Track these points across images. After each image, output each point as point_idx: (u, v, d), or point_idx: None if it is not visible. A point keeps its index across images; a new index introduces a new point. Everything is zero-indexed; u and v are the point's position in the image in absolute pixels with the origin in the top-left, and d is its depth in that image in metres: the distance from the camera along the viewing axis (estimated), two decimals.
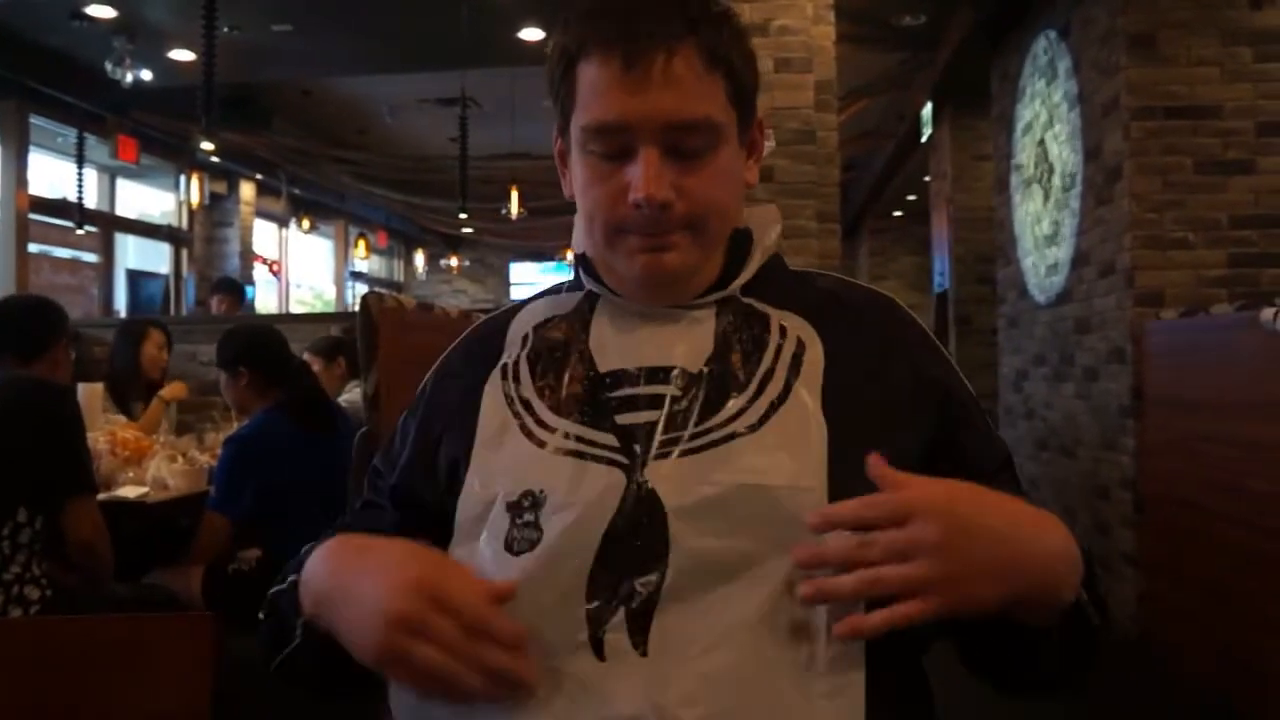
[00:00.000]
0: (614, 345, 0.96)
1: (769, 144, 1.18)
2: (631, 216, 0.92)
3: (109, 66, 6.90)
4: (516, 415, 0.94)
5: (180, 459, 3.24)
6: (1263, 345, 3.16)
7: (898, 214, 13.43)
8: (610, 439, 0.90)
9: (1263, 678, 3.15)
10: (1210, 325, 3.68)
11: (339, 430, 3.07)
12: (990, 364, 6.49)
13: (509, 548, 0.87)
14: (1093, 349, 4.66)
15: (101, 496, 2.73)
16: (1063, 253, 5.01)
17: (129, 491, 3.00)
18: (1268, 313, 3.08)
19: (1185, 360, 3.83)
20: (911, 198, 12.02)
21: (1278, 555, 3.07)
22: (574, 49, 0.93)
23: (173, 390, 3.94)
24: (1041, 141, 5.33)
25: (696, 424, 0.89)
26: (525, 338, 1.01)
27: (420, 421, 1.03)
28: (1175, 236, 4.18)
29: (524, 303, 1.07)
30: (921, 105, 7.88)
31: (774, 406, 0.90)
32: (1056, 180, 5.11)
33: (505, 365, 0.99)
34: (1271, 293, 3.88)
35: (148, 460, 3.19)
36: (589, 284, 1.01)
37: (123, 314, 9.06)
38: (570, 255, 1.06)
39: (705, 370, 0.92)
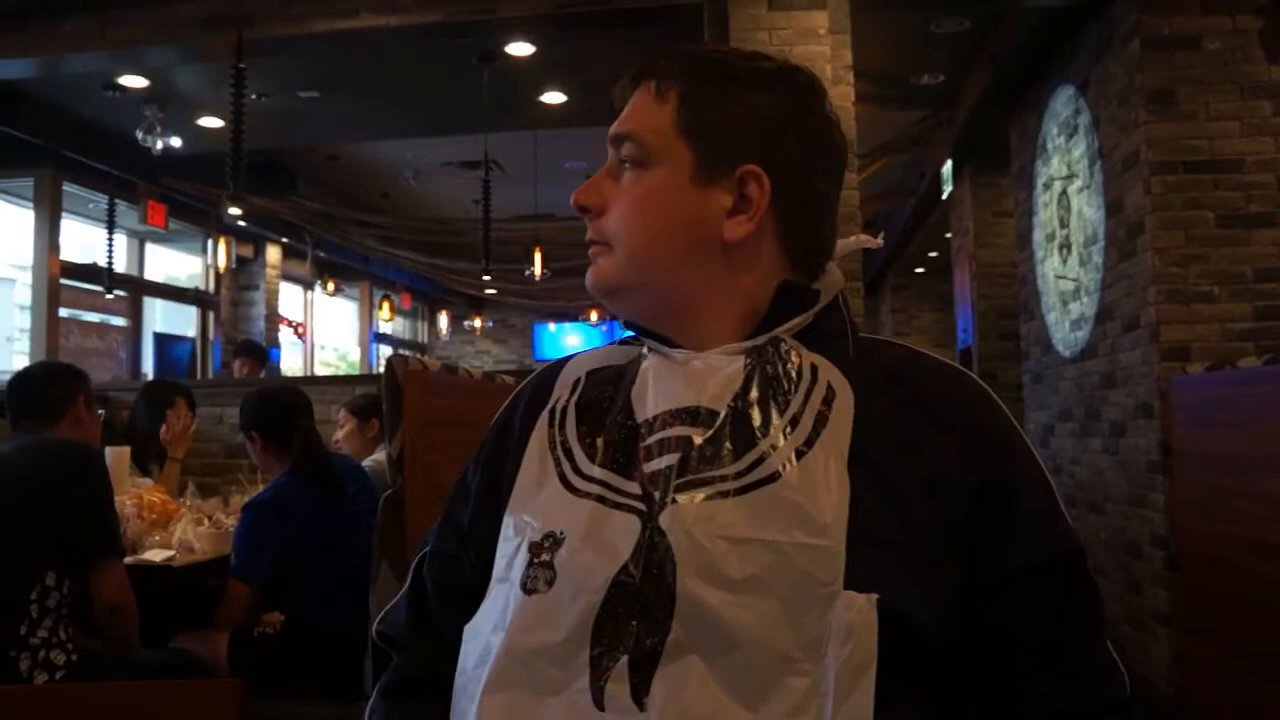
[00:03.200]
0: (652, 393, 0.95)
1: (878, 241, 1.16)
2: None
3: (140, 134, 7.04)
4: (556, 461, 0.94)
5: (206, 521, 3.24)
6: None
7: (920, 270, 13.43)
8: (634, 486, 0.89)
9: None
10: (1238, 379, 3.65)
11: (348, 491, 3.07)
12: (1016, 421, 6.44)
13: (524, 586, 0.87)
14: (1119, 404, 4.62)
15: (128, 560, 2.74)
16: (1087, 308, 4.99)
17: (155, 555, 3.00)
18: None
19: (1213, 415, 3.80)
20: (933, 254, 12.03)
21: None
22: (614, 92, 1.04)
23: (178, 446, 3.94)
24: (1063, 196, 5.34)
25: (715, 468, 0.87)
26: (577, 382, 1.02)
27: (483, 473, 1.04)
28: (1200, 290, 4.17)
29: (582, 352, 1.09)
30: (941, 163, 7.92)
31: (798, 454, 0.87)
32: (1079, 235, 5.11)
33: (553, 409, 0.99)
34: None
35: (174, 523, 3.19)
36: (638, 334, 1.03)
37: (150, 377, 9.13)
38: (594, 315, 1.08)
39: (728, 411, 0.90)
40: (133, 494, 3.32)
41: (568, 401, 0.99)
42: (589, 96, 6.70)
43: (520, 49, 5.94)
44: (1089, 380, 5.04)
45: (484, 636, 0.89)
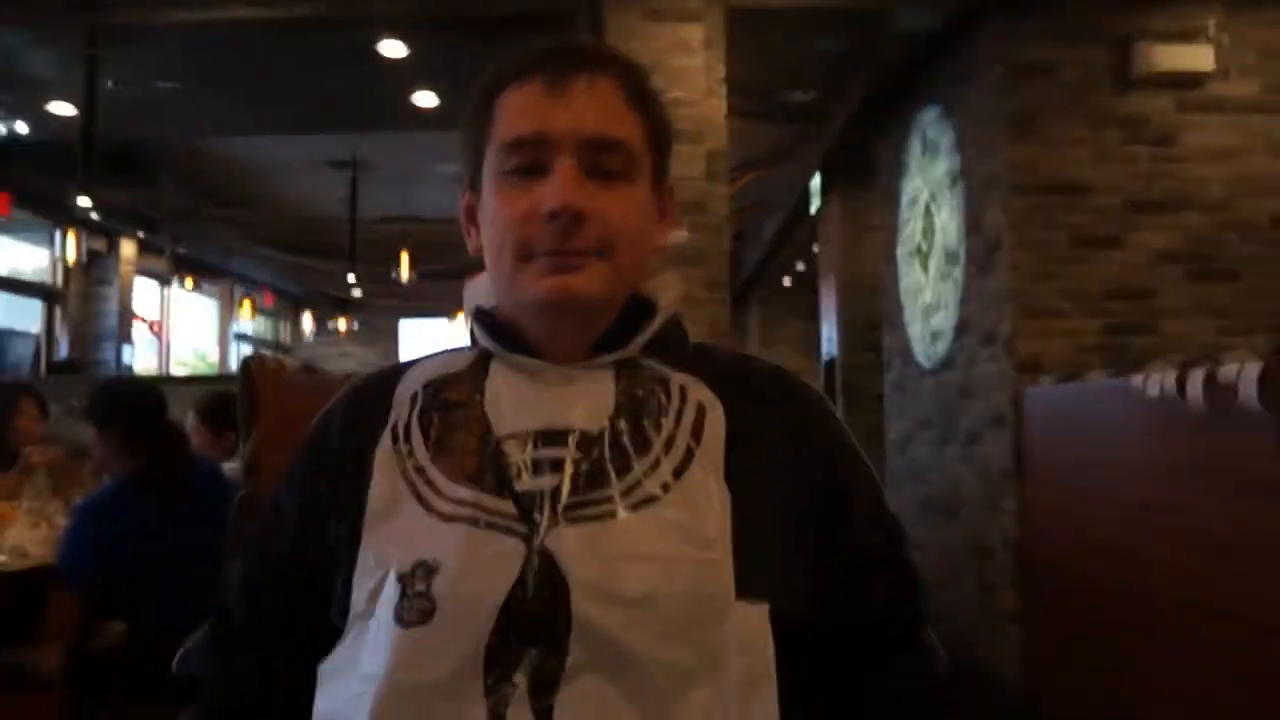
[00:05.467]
0: (510, 406, 0.92)
1: (681, 233, 1.20)
2: (543, 233, 0.90)
3: None
4: (410, 483, 0.90)
5: (44, 525, 3.07)
6: (1134, 410, 3.29)
7: (787, 282, 13.67)
8: (508, 506, 0.86)
9: None
10: (1086, 392, 3.82)
11: (202, 493, 2.93)
12: (877, 429, 6.61)
13: (398, 619, 0.82)
14: (975, 414, 4.78)
15: None
16: (946, 321, 5.15)
17: None
18: (1138, 379, 3.21)
19: (1063, 425, 3.96)
20: (800, 267, 12.26)
21: (1155, 613, 3.17)
22: (493, 84, 0.94)
23: (45, 454, 3.74)
24: (926, 214, 5.51)
25: (596, 490, 0.86)
26: (414, 396, 0.96)
27: (300, 498, 0.98)
28: (1052, 306, 4.35)
29: (412, 362, 1.03)
30: (810, 177, 8.08)
31: (676, 473, 0.87)
32: (939, 251, 5.27)
33: (394, 428, 0.94)
34: (1141, 360, 4.05)
35: (8, 528, 3.02)
36: (484, 341, 0.97)
37: None
38: (462, 316, 1.03)
39: (605, 433, 0.89)
40: None
41: (409, 417, 0.95)
42: (461, 99, 6.62)
43: (393, 49, 5.82)
44: (947, 390, 5.20)
45: (349, 675, 0.85)
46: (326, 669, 0.88)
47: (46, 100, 6.93)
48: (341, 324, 16.66)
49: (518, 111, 0.92)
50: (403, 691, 0.81)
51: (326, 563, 0.92)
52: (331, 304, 16.27)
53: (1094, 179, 4.41)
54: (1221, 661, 2.81)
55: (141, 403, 2.97)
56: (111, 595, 2.76)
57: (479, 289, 1.01)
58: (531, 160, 0.91)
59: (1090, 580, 3.64)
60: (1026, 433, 4.25)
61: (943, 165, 5.19)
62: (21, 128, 7.16)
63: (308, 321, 16.32)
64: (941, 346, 5.24)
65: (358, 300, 15.62)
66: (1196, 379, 2.86)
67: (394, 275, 10.16)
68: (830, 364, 8.28)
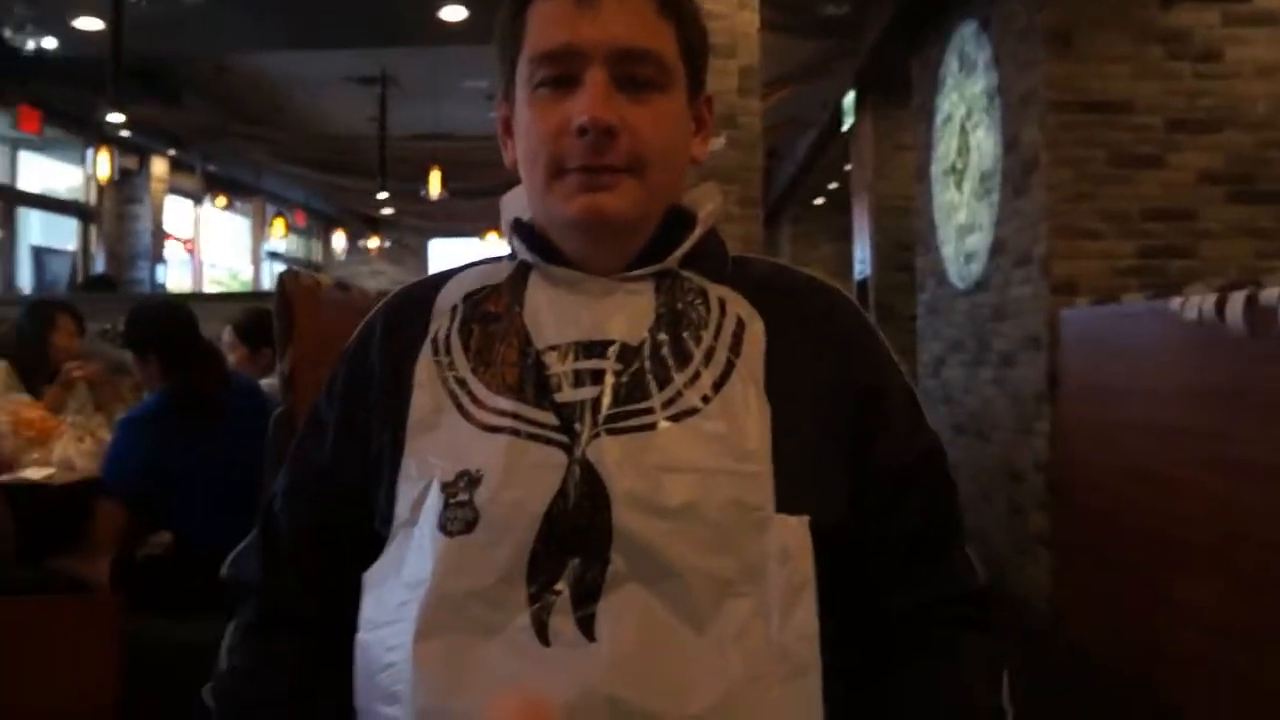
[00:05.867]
0: (550, 318, 0.92)
1: (719, 141, 1.16)
2: (574, 148, 0.88)
3: (8, 33, 6.64)
4: (451, 394, 0.91)
5: (89, 439, 3.13)
6: (1171, 334, 3.26)
7: (819, 202, 13.55)
8: (550, 417, 0.87)
9: (1173, 658, 3.25)
10: (1122, 314, 3.78)
11: (241, 410, 2.97)
12: (909, 350, 6.59)
13: (443, 528, 0.84)
14: (1009, 336, 4.76)
15: (4, 477, 2.64)
16: (981, 242, 5.10)
17: (34, 473, 2.89)
18: (1175, 302, 3.17)
19: (1097, 348, 3.93)
20: (833, 186, 12.14)
21: (1186, 538, 3.17)
22: None
23: (84, 369, 3.80)
24: (962, 132, 5.42)
25: (638, 401, 0.87)
26: (455, 309, 0.97)
27: (342, 409, 0.98)
28: (1089, 227, 4.29)
29: (450, 273, 1.02)
30: (844, 94, 7.96)
31: (716, 386, 0.88)
32: (975, 170, 5.20)
33: (435, 340, 0.94)
34: (1179, 283, 4.00)
35: (54, 441, 3.08)
36: (522, 252, 0.97)
37: (27, 291, 8.75)
38: (496, 235, 1.02)
39: (645, 345, 0.90)
40: (8, 410, 3.18)
41: (449, 330, 0.95)
42: (490, 13, 6.53)
43: None
44: (981, 312, 5.16)
45: (393, 584, 0.86)
46: (371, 577, 0.89)
47: (73, 15, 6.90)
48: (373, 243, 16.70)
49: (548, 22, 0.90)
50: (448, 599, 0.82)
51: (369, 473, 0.93)
52: (362, 223, 16.30)
53: (1134, 96, 4.31)
54: (1255, 588, 2.81)
55: (174, 328, 3.01)
56: (156, 506, 2.82)
57: (517, 201, 1.00)
58: (561, 72, 0.89)
59: (1123, 505, 3.64)
60: (1061, 356, 4.22)
61: (980, 82, 5.09)
62: (49, 43, 7.14)
63: (339, 240, 16.37)
64: (976, 268, 5.19)
65: (388, 219, 15.65)
66: (1236, 302, 2.82)
67: (424, 193, 10.13)
68: (862, 284, 8.24)
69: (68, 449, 3.01)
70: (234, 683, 0.95)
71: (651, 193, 0.92)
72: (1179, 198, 4.30)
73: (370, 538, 0.91)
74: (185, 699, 1.07)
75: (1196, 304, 3.03)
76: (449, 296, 0.98)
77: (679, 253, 0.95)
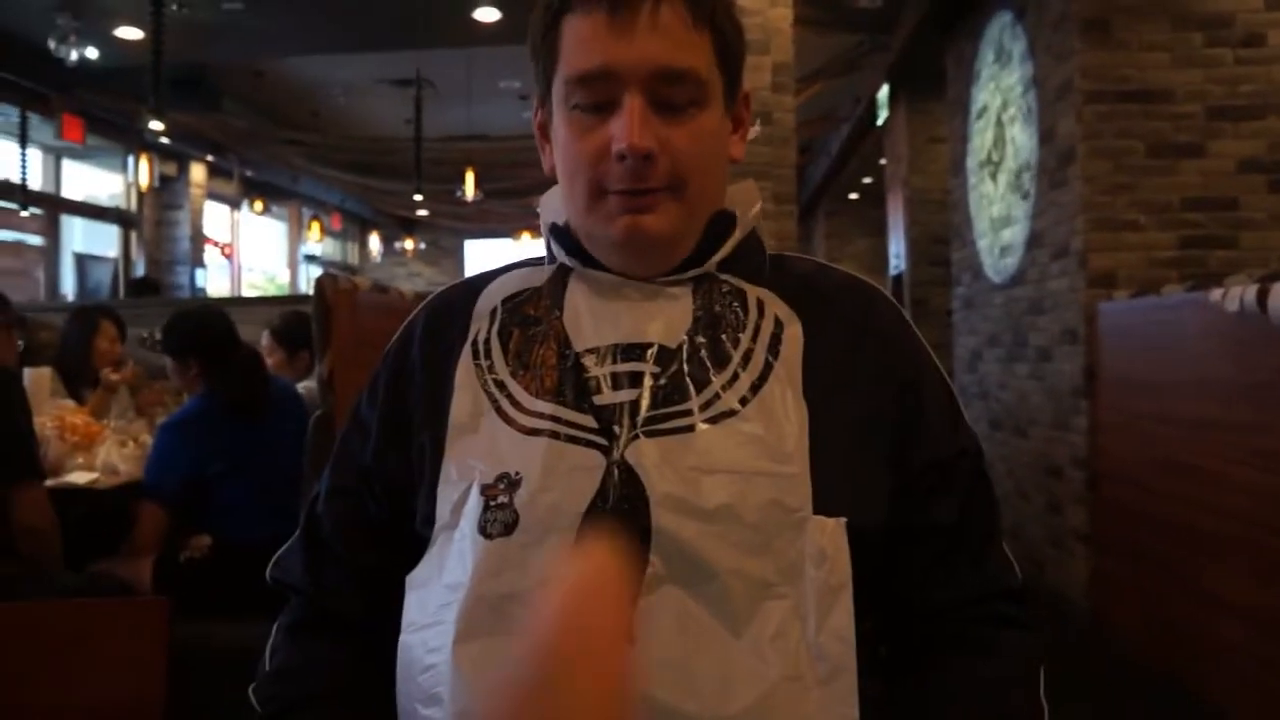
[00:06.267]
0: (589, 321, 0.93)
1: (755, 128, 1.14)
2: (614, 172, 0.88)
3: (53, 44, 6.75)
4: (491, 397, 0.91)
5: (131, 444, 3.18)
6: (1212, 326, 3.21)
7: (853, 196, 13.49)
8: (588, 420, 0.87)
9: (1211, 652, 3.21)
10: (1161, 306, 3.74)
11: (280, 413, 3.01)
12: (945, 345, 6.55)
13: (483, 531, 0.85)
14: (1046, 330, 4.71)
15: (50, 482, 2.68)
16: (1017, 235, 5.06)
17: (78, 477, 2.94)
18: (1216, 294, 3.13)
19: (1136, 341, 3.89)
20: (867, 180, 12.08)
21: (1225, 533, 3.13)
22: (558, 5, 0.91)
23: (123, 374, 3.86)
24: (997, 124, 5.37)
25: (677, 404, 0.87)
26: (494, 312, 0.98)
27: (383, 410, 0.99)
28: (1127, 219, 4.24)
29: (490, 275, 1.03)
30: (877, 88, 7.91)
31: (754, 388, 0.88)
32: (1011, 163, 5.15)
33: (475, 343, 0.95)
34: (1220, 274, 3.94)
35: (98, 445, 3.13)
36: (561, 256, 0.97)
37: (70, 298, 8.89)
38: (530, 236, 1.03)
39: (683, 347, 0.90)
40: (53, 415, 3.24)
41: (489, 333, 0.96)
42: (524, 14, 6.56)
43: None
44: (1017, 306, 5.12)
45: (435, 586, 0.87)
46: (414, 579, 0.90)
47: (115, 25, 7.01)
48: (408, 244, 16.80)
49: (582, 41, 0.89)
50: (486, 602, 0.83)
51: (409, 474, 0.95)
52: (398, 225, 16.40)
53: (1173, 84, 4.25)
54: None
55: (213, 333, 3.05)
56: (197, 509, 2.86)
57: (555, 203, 1.00)
58: (599, 98, 0.89)
59: (1162, 500, 3.59)
60: (1099, 349, 4.17)
61: (1015, 73, 5.04)
62: (92, 53, 7.25)
63: (375, 242, 16.48)
64: (1012, 261, 5.14)
65: (424, 220, 15.72)
66: (1279, 293, 2.78)
67: (459, 194, 10.18)
68: (898, 279, 8.19)
69: (111, 453, 3.05)
70: (278, 683, 0.96)
71: (692, 208, 0.92)
72: (1219, 187, 4.23)
73: (412, 538, 0.92)
74: (229, 700, 1.09)
75: (1238, 295, 2.99)
76: (489, 299, 0.99)
77: (717, 258, 0.95)
